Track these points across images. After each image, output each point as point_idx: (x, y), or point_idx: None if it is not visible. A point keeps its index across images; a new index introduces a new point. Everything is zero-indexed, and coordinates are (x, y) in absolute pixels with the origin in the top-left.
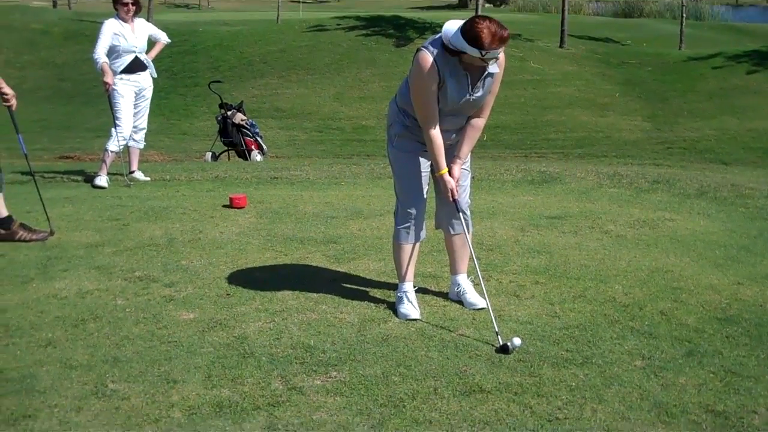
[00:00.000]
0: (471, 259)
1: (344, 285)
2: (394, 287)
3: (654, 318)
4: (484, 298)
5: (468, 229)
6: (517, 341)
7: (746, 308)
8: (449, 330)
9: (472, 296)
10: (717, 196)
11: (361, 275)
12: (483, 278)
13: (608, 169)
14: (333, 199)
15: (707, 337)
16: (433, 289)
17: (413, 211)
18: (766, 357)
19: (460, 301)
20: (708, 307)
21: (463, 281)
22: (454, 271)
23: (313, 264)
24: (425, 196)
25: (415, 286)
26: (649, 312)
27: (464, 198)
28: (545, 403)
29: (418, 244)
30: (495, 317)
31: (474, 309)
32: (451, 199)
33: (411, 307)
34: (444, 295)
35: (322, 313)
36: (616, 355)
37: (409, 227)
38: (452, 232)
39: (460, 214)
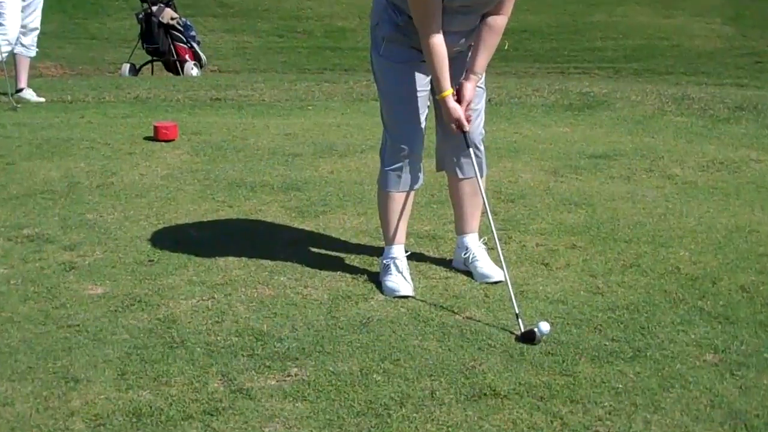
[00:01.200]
0: (484, 213)
1: (310, 249)
2: (378, 252)
3: (732, 296)
4: (502, 268)
5: (481, 173)
6: (544, 327)
7: None
8: (453, 311)
9: (485, 265)
10: None
11: (333, 235)
12: (500, 240)
13: (674, 90)
14: (297, 130)
15: None
16: (431, 254)
17: (406, 146)
18: None
19: (468, 272)
20: None
21: (473, 244)
22: (460, 231)
23: (268, 219)
24: (423, 125)
25: (407, 251)
26: (725, 288)
27: (477, 128)
28: (581, 412)
29: (412, 193)
30: (515, 294)
31: (487, 282)
32: (457, 130)
33: (401, 280)
34: (447, 264)
35: (280, 287)
36: (679, 347)
37: (400, 169)
38: (459, 176)
39: (471, 150)
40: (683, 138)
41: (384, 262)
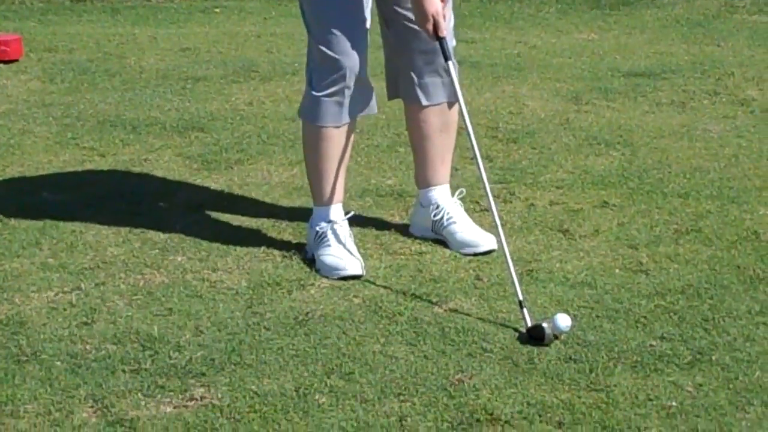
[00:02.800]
0: (473, 159)
1: (220, 216)
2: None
3: None
4: (497, 235)
5: (458, 94)
6: (562, 322)
7: None
8: (430, 302)
9: (466, 228)
10: None
11: (253, 195)
12: (497, 197)
13: None
14: (198, 43)
15: None
16: (397, 220)
17: (343, 58)
18: None
19: (441, 241)
20: None
21: (446, 200)
22: (425, 182)
23: (158, 174)
24: (367, 26)
25: (348, 213)
26: None
27: (449, 33)
28: None
29: (354, 127)
30: (519, 274)
31: (472, 254)
32: (431, 33)
33: (344, 253)
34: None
35: (176, 271)
36: (758, 347)
37: (336, 93)
38: (423, 103)
39: (449, 64)
40: (763, 46)
41: (316, 229)
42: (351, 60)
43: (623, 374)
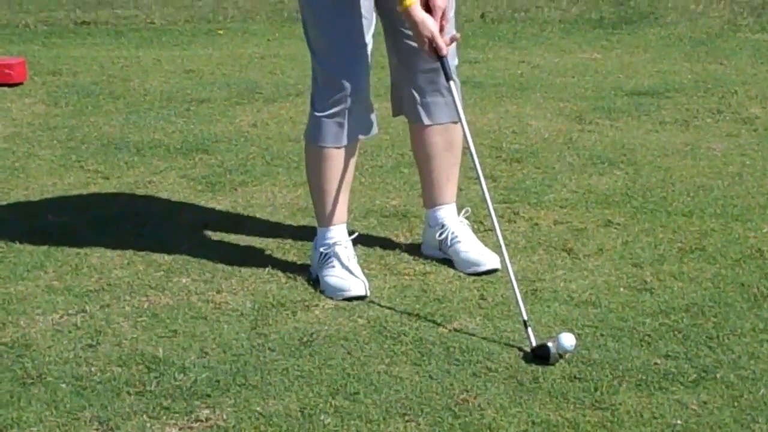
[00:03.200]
0: (477, 180)
1: (225, 237)
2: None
3: None
4: (501, 255)
5: (460, 114)
6: (567, 341)
7: None
8: (434, 322)
9: (472, 247)
10: None
11: (257, 216)
12: (502, 217)
13: None
14: (201, 65)
15: None
16: (401, 240)
17: (345, 80)
18: None
19: (448, 261)
20: None
21: (451, 220)
22: (432, 202)
23: (162, 196)
24: (370, 48)
25: (352, 233)
26: None
27: (451, 50)
28: None
29: (357, 151)
30: (523, 294)
31: (477, 273)
32: (431, 53)
33: (348, 276)
34: (417, 250)
35: (181, 293)
36: (763, 365)
37: (338, 114)
38: (426, 122)
39: (451, 83)
40: (765, 64)
41: (321, 250)
42: (352, 81)
43: (628, 393)
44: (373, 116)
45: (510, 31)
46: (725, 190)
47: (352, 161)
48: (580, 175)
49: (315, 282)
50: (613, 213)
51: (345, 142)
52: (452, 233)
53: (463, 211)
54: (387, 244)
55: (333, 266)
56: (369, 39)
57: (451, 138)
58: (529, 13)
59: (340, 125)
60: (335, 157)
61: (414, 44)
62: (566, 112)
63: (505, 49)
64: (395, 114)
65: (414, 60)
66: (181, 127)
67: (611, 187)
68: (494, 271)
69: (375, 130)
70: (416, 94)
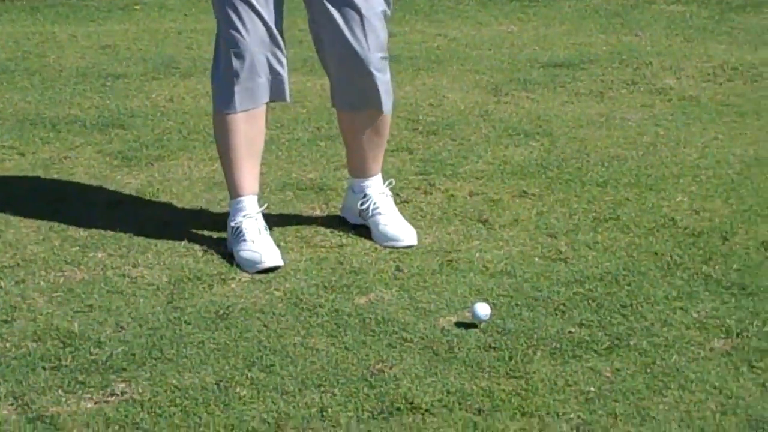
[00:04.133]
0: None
1: (141, 211)
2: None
3: (750, 257)
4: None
5: (383, 104)
6: (481, 310)
7: None
8: (350, 293)
9: (392, 221)
10: None
11: (173, 190)
12: (418, 189)
13: None
14: (118, 40)
15: None
16: (318, 213)
17: (241, 34)
18: None
19: (365, 232)
20: None
21: (375, 190)
22: (355, 173)
23: (78, 171)
24: (267, 18)
25: (263, 204)
26: (740, 246)
27: (375, 39)
28: (536, 430)
29: (263, 116)
30: (441, 264)
31: (396, 247)
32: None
33: (261, 246)
34: (340, 224)
35: (97, 267)
36: (675, 332)
37: (237, 76)
38: (347, 108)
39: (374, 72)
40: (680, 35)
41: (232, 225)
42: (253, 46)
43: (542, 361)
44: (280, 83)
45: (427, 4)
46: (639, 160)
47: (257, 129)
48: (496, 147)
49: (231, 255)
50: (529, 184)
51: (244, 106)
52: (374, 203)
53: (387, 183)
54: (303, 217)
55: (245, 240)
56: (270, 7)
57: (376, 122)
58: None
59: (243, 89)
60: (237, 123)
61: (333, 29)
62: (482, 84)
63: (422, 22)
64: (333, 105)
65: (334, 46)
66: (97, 103)
67: (526, 158)
68: (410, 247)
69: (286, 97)
70: (335, 81)
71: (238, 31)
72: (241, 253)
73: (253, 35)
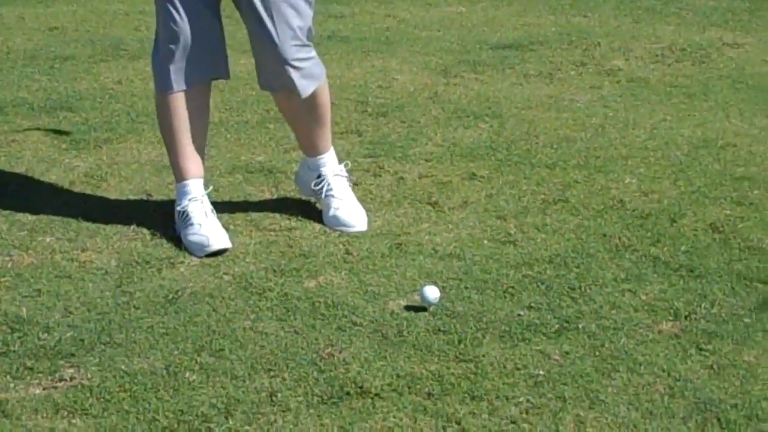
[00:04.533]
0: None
1: (89, 195)
2: None
3: (698, 239)
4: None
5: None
6: (430, 294)
7: None
8: (300, 277)
9: (345, 205)
10: None
11: (122, 173)
12: (365, 170)
13: None
14: (65, 22)
15: None
16: (267, 196)
17: (177, 12)
18: None
19: (314, 215)
20: None
21: (330, 170)
22: (307, 152)
23: (25, 154)
24: None
25: (209, 187)
26: (689, 228)
27: (285, 31)
28: (487, 413)
29: (207, 97)
30: (387, 248)
31: (346, 231)
32: None
33: (209, 229)
34: (289, 208)
35: (45, 252)
36: (624, 314)
37: (174, 54)
38: (266, 89)
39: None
40: (628, 16)
41: (178, 208)
42: (186, 25)
43: (491, 344)
44: (218, 60)
45: None
46: (588, 142)
47: (199, 110)
48: (445, 129)
49: (180, 239)
50: (478, 166)
51: (180, 86)
52: (328, 185)
53: (343, 164)
54: (252, 200)
55: (191, 224)
56: None
57: (311, 101)
58: None
59: (174, 70)
60: (176, 103)
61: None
62: (432, 66)
63: (371, 3)
64: (261, 89)
65: (257, 30)
66: (45, 85)
67: (476, 140)
68: (361, 232)
69: (224, 74)
70: (261, 63)
71: (174, 7)
72: (188, 237)
73: (188, 13)
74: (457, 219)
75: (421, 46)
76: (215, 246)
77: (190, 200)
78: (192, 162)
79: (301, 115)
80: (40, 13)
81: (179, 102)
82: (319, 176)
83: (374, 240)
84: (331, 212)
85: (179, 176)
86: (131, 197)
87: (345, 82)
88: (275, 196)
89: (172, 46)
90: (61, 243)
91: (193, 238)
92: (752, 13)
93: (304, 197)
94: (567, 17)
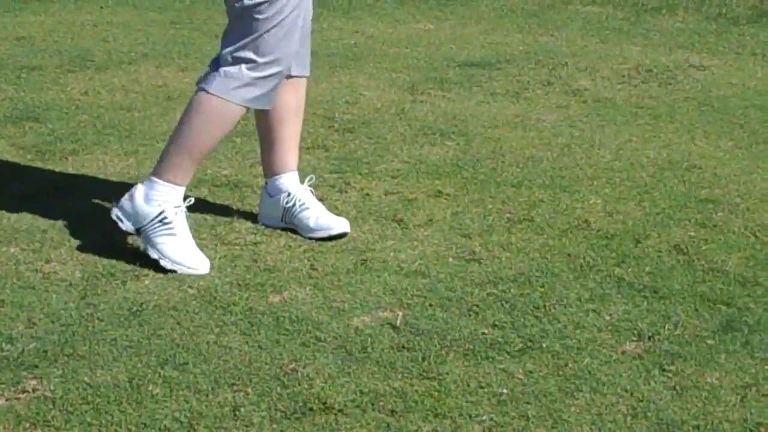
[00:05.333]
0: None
1: (54, 206)
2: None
3: (662, 260)
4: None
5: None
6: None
7: None
8: (265, 292)
9: (322, 213)
10: None
11: (88, 185)
12: (333, 188)
13: None
14: (33, 31)
15: (763, 296)
16: (234, 208)
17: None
18: None
19: (280, 230)
20: (766, 236)
21: (297, 187)
22: (275, 170)
23: None
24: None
25: (187, 200)
26: (653, 249)
27: (225, 35)
28: (449, 431)
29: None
30: (353, 264)
31: (328, 237)
32: None
33: (192, 249)
34: (250, 217)
35: (9, 262)
36: (588, 334)
37: (282, 74)
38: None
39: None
40: (595, 36)
41: (163, 208)
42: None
43: (455, 362)
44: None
45: (345, 1)
46: (554, 162)
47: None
48: (412, 146)
49: (145, 252)
50: (444, 183)
51: (260, 103)
52: (299, 200)
53: (308, 179)
54: (218, 213)
55: (174, 234)
56: None
57: (299, 101)
58: None
59: (270, 90)
60: (237, 115)
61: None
62: (399, 83)
63: (339, 19)
64: None
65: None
66: (11, 95)
67: (442, 157)
68: (345, 234)
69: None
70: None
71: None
72: (169, 247)
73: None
74: (422, 236)
75: (388, 63)
76: (200, 271)
77: (178, 208)
78: (194, 170)
79: (287, 116)
80: (8, 22)
81: (238, 117)
82: (288, 195)
83: (339, 256)
84: (313, 222)
85: (182, 179)
86: (97, 209)
87: (312, 98)
88: (241, 210)
89: (283, 66)
90: (26, 254)
91: (177, 250)
92: (719, 35)
93: (273, 224)
94: (534, 36)
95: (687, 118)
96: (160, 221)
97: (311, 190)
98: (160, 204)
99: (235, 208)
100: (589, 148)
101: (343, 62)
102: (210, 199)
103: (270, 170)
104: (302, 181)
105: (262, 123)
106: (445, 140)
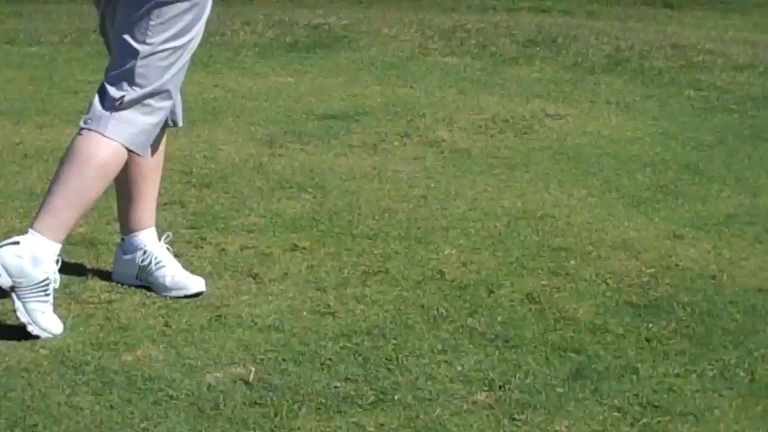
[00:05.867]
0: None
1: None
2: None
3: (515, 309)
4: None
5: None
6: None
7: (685, 283)
8: (117, 351)
9: (179, 272)
10: (645, 68)
11: None
12: (186, 241)
13: (443, 19)
14: None
15: (613, 342)
16: (88, 266)
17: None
18: (717, 375)
19: (135, 288)
20: (617, 283)
21: (154, 245)
22: (132, 227)
23: None
24: None
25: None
26: (505, 298)
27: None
28: None
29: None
30: (207, 320)
31: (187, 295)
32: None
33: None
34: (104, 275)
35: None
36: (439, 385)
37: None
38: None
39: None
40: (453, 87)
41: (43, 271)
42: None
43: (307, 416)
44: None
45: (205, 54)
46: (410, 213)
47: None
48: (269, 200)
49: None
50: (300, 237)
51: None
52: (155, 258)
53: (165, 236)
54: (72, 273)
55: (46, 301)
56: None
57: (161, 153)
58: (225, 36)
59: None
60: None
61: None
62: (257, 137)
63: (199, 73)
64: None
65: None
66: None
67: (299, 211)
68: (200, 293)
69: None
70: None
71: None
72: (42, 314)
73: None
74: (277, 290)
75: (247, 116)
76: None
77: (54, 264)
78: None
79: (148, 172)
80: None
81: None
82: (144, 252)
83: (194, 312)
84: (168, 280)
85: (59, 235)
86: None
87: (170, 153)
88: (95, 268)
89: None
90: None
91: (45, 318)
92: (574, 85)
93: (128, 282)
94: (393, 88)
95: (542, 168)
96: (43, 287)
97: (168, 248)
98: (47, 271)
99: (89, 266)
100: (444, 199)
101: (201, 116)
102: (65, 257)
103: (127, 227)
104: (159, 238)
105: (123, 178)
106: (302, 193)
